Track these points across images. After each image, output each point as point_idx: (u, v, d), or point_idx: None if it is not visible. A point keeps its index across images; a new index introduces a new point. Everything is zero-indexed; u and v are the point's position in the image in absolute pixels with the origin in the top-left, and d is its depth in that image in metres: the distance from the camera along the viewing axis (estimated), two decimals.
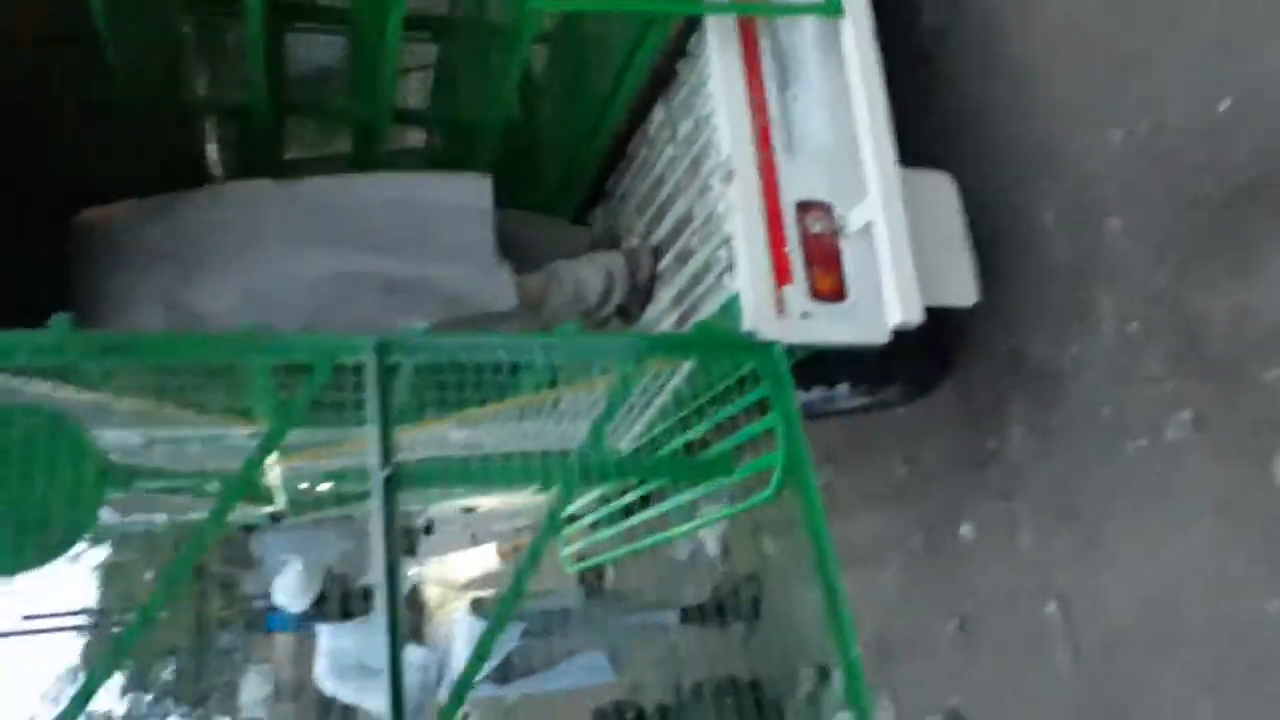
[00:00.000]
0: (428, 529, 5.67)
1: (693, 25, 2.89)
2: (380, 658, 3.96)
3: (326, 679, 4.11)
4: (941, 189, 2.81)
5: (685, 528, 3.31)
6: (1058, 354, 2.87)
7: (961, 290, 2.75)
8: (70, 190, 3.07)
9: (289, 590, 3.96)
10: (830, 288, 2.66)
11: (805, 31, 2.79)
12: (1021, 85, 2.92)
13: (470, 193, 3.01)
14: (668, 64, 3.02)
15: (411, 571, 4.44)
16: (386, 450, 2.12)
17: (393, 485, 2.12)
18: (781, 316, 2.60)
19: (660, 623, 4.76)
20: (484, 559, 4.54)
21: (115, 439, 2.80)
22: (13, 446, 1.92)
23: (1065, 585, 2.86)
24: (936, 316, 3.10)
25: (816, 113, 2.77)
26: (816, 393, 3.31)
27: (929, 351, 3.21)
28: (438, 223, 2.95)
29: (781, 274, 2.63)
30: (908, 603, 3.60)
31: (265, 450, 2.19)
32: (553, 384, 2.78)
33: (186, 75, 3.67)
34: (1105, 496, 2.71)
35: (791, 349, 2.51)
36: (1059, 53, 2.81)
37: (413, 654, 3.98)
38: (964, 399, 3.27)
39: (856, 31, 2.63)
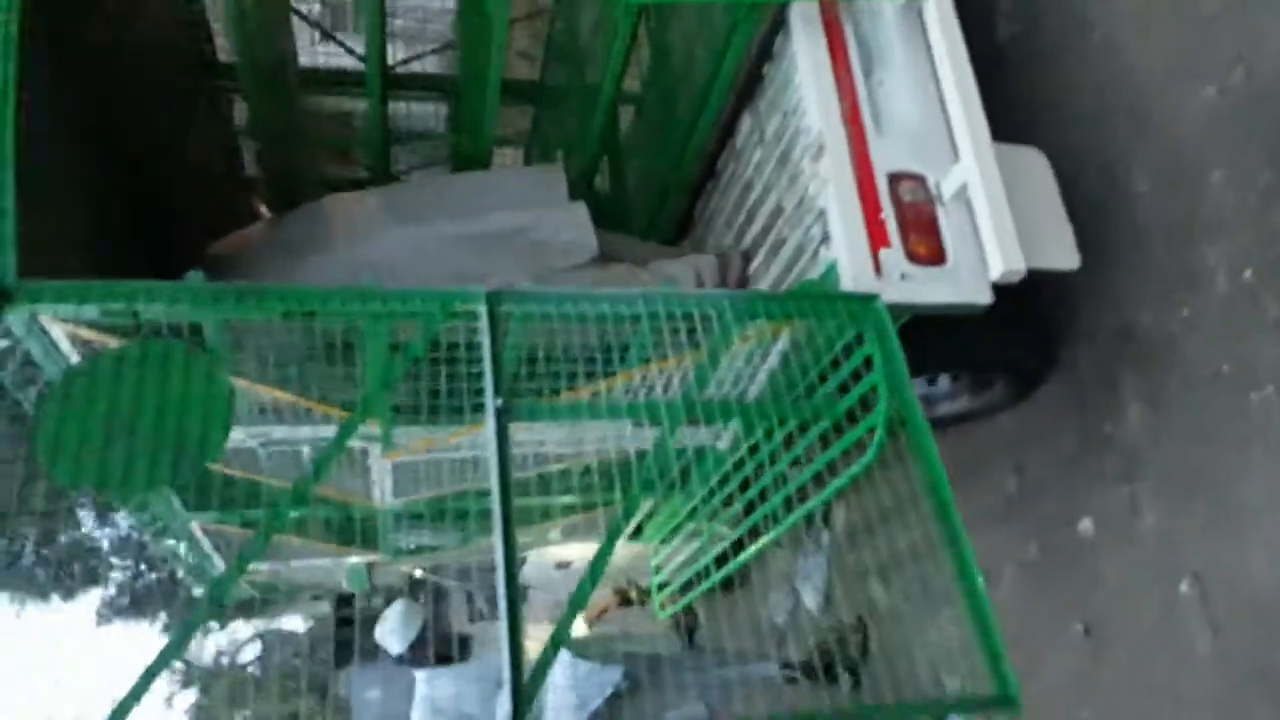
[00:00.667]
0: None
1: (776, 28, 3.03)
2: (477, 705, 3.92)
3: None
4: (1033, 161, 2.84)
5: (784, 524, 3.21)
6: (1168, 320, 2.81)
7: (1064, 254, 2.74)
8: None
9: (390, 629, 3.94)
10: (928, 252, 2.68)
11: (887, 18, 2.90)
12: (1106, 60, 2.97)
13: (546, 176, 3.21)
14: (754, 69, 3.15)
15: None
16: (498, 383, 2.18)
17: (505, 417, 2.16)
18: (880, 278, 2.61)
19: (761, 675, 4.58)
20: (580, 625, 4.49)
21: (231, 441, 2.90)
22: (154, 370, 2.02)
23: (1199, 560, 2.70)
24: (1037, 306, 3.12)
25: (902, 94, 2.85)
26: (915, 388, 3.26)
27: (1030, 342, 3.17)
28: (518, 192, 3.15)
29: (877, 238, 2.66)
30: (1027, 617, 3.42)
31: (379, 386, 2.25)
32: (646, 361, 2.79)
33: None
34: (1234, 456, 2.59)
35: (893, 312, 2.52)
36: (1141, 24, 2.87)
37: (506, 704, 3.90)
38: (1072, 391, 3.19)
39: (939, 8, 2.73)
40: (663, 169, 3.60)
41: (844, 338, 2.59)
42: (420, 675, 4.05)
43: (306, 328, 2.43)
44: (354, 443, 3.14)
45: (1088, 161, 2.94)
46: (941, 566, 2.36)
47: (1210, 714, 2.66)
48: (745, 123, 3.31)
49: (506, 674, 1.96)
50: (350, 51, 4.32)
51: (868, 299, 2.52)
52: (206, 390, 2.02)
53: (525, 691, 1.97)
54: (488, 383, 2.18)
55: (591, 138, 3.50)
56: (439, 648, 3.98)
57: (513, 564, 2.05)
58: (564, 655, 4.06)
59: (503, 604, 1.99)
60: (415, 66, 4.69)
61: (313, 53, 4.41)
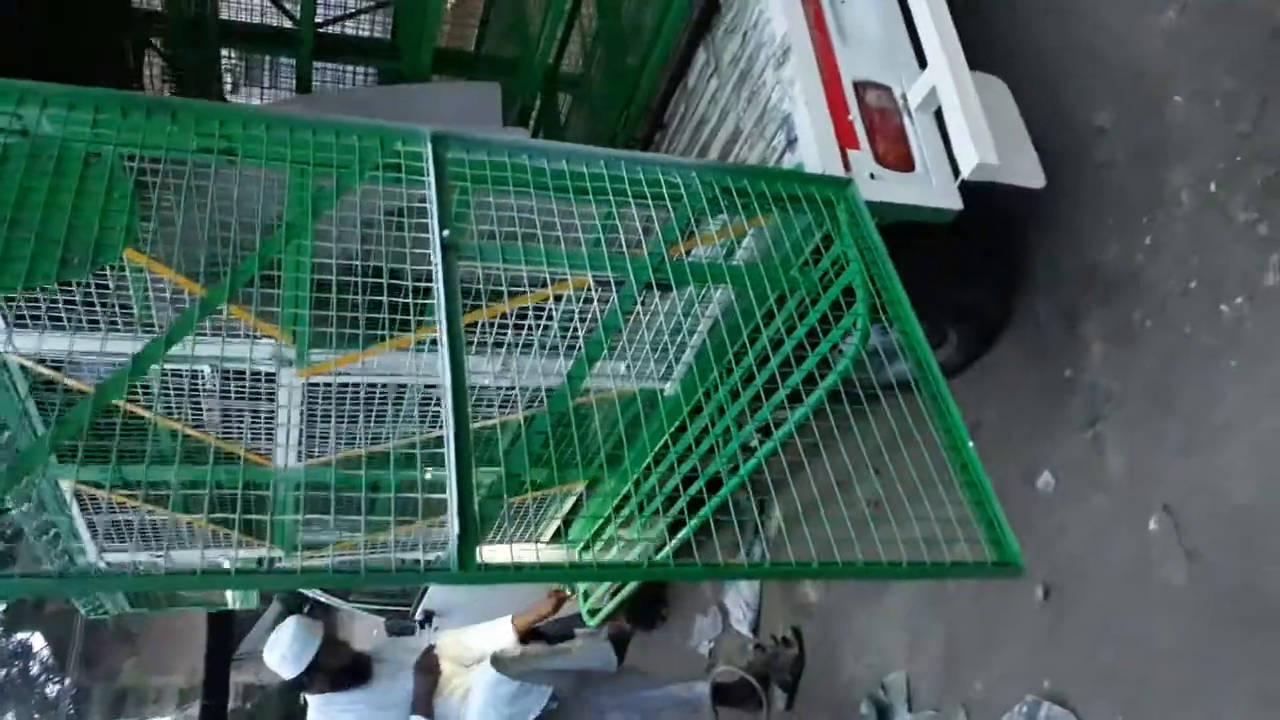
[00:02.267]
0: (426, 620, 5.19)
1: None
2: None
3: None
4: (995, 87, 2.79)
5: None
6: (1131, 251, 2.74)
7: (1030, 173, 2.67)
8: None
9: (282, 653, 3.52)
10: (897, 158, 2.58)
11: None
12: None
13: (481, 92, 3.07)
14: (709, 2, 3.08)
15: (425, 641, 4.01)
16: (444, 218, 1.95)
17: (451, 253, 1.93)
18: (849, 176, 2.49)
19: (690, 697, 4.25)
20: (499, 633, 4.10)
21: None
22: (45, 166, 1.74)
23: (1169, 491, 2.57)
24: (993, 253, 3.05)
25: (866, 8, 2.80)
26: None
27: (986, 289, 3.08)
28: (449, 105, 3.07)
29: (845, 138, 2.55)
30: (979, 593, 3.23)
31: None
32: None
33: None
34: (1206, 373, 2.49)
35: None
36: None
37: None
38: (1030, 343, 3.10)
39: None
40: (611, 116, 3.47)
41: (813, 240, 2.45)
42: (313, 702, 3.64)
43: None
44: (261, 362, 2.83)
45: (1045, 103, 2.89)
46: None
47: (1187, 653, 2.48)
48: (699, 58, 3.21)
49: (454, 515, 1.66)
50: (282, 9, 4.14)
51: (842, 181, 2.39)
52: (105, 194, 1.74)
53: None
54: (433, 218, 1.96)
55: (533, 72, 3.33)
56: (336, 670, 3.57)
57: (463, 402, 1.78)
58: (490, 675, 3.70)
59: (451, 440, 1.71)
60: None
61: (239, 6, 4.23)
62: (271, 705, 17.55)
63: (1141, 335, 2.69)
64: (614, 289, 2.25)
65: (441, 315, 1.82)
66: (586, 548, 4.37)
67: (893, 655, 3.59)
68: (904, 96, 2.65)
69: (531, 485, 3.80)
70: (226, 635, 17.36)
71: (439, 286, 1.87)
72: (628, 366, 3.02)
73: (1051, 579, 2.93)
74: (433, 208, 1.96)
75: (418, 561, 1.85)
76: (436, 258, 1.90)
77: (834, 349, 2.42)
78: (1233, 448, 2.41)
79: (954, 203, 2.53)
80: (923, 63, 2.64)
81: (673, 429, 3.29)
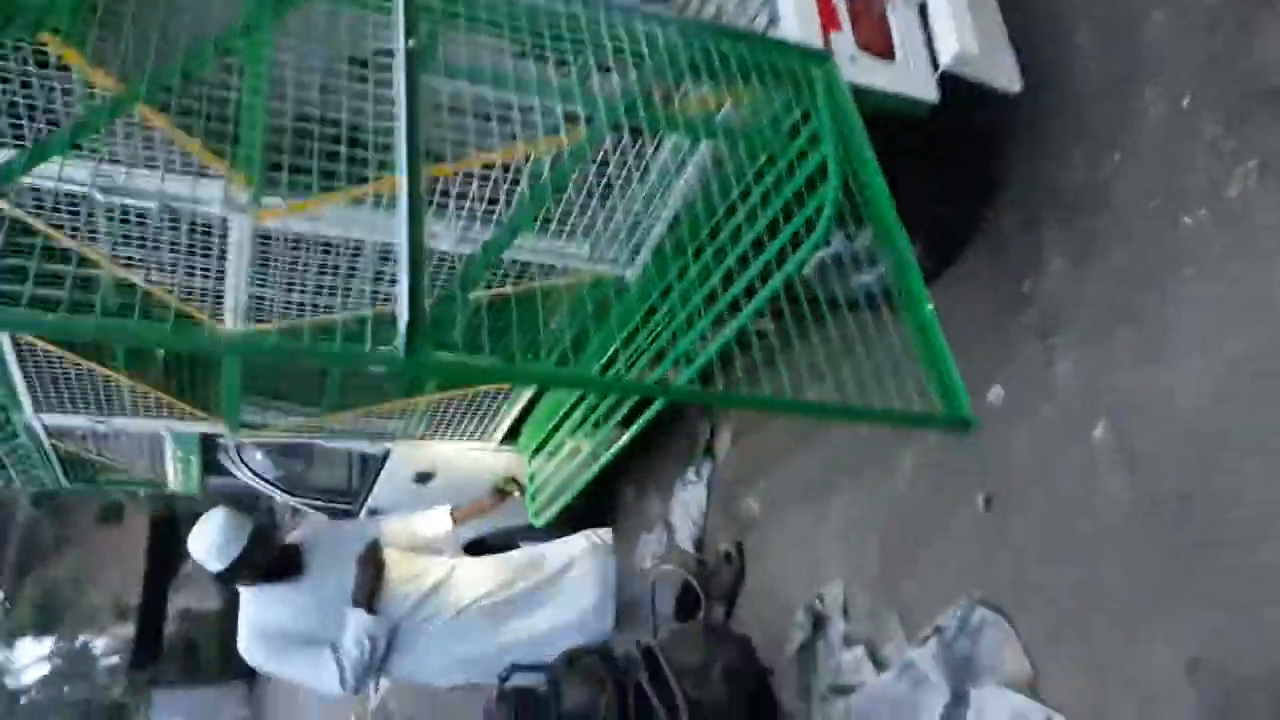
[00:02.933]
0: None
1: None
2: (315, 622, 3.42)
3: (252, 649, 3.52)
4: None
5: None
6: (1099, 167, 2.75)
7: (1007, 75, 2.67)
8: None
9: (209, 544, 3.38)
10: (878, 44, 2.56)
11: None
12: None
13: None
14: None
15: (372, 528, 3.93)
16: (410, 27, 1.90)
17: (417, 62, 1.88)
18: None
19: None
20: (440, 521, 4.07)
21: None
22: None
23: (1117, 400, 2.60)
24: (963, 163, 3.04)
25: None
26: (833, 246, 3.11)
27: (955, 196, 3.07)
28: None
29: (828, 18, 2.53)
30: (921, 504, 3.26)
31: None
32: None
33: None
34: (1163, 285, 2.52)
35: None
36: None
37: (363, 621, 3.45)
38: (991, 258, 3.11)
39: None
40: None
41: (790, 118, 2.43)
42: (245, 595, 3.54)
43: None
44: (209, 205, 2.72)
45: (1023, 19, 2.88)
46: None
47: (1121, 561, 2.52)
48: None
49: (404, 276, 1.61)
50: None
51: (822, 56, 2.36)
52: None
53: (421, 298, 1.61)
54: (398, 26, 1.90)
55: None
56: (266, 563, 3.47)
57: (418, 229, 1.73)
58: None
59: (404, 202, 1.67)
60: None
61: None
62: (209, 632, 17.42)
63: (1102, 249, 2.71)
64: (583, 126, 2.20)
65: (402, 131, 1.77)
66: (536, 453, 4.36)
67: (833, 566, 3.62)
68: None
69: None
70: (166, 557, 17.19)
71: (401, 94, 1.81)
72: (591, 245, 2.98)
73: (994, 488, 2.96)
74: (400, 21, 1.90)
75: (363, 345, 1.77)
76: (401, 71, 1.84)
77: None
78: (1185, 358, 2.43)
79: (931, 94, 2.52)
80: None
81: (631, 326, 3.28)
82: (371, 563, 3.58)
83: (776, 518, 4.06)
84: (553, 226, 2.91)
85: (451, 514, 4.08)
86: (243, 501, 5.29)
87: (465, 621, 3.70)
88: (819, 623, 3.63)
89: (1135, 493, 2.51)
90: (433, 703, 6.14)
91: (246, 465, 4.87)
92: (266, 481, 4.99)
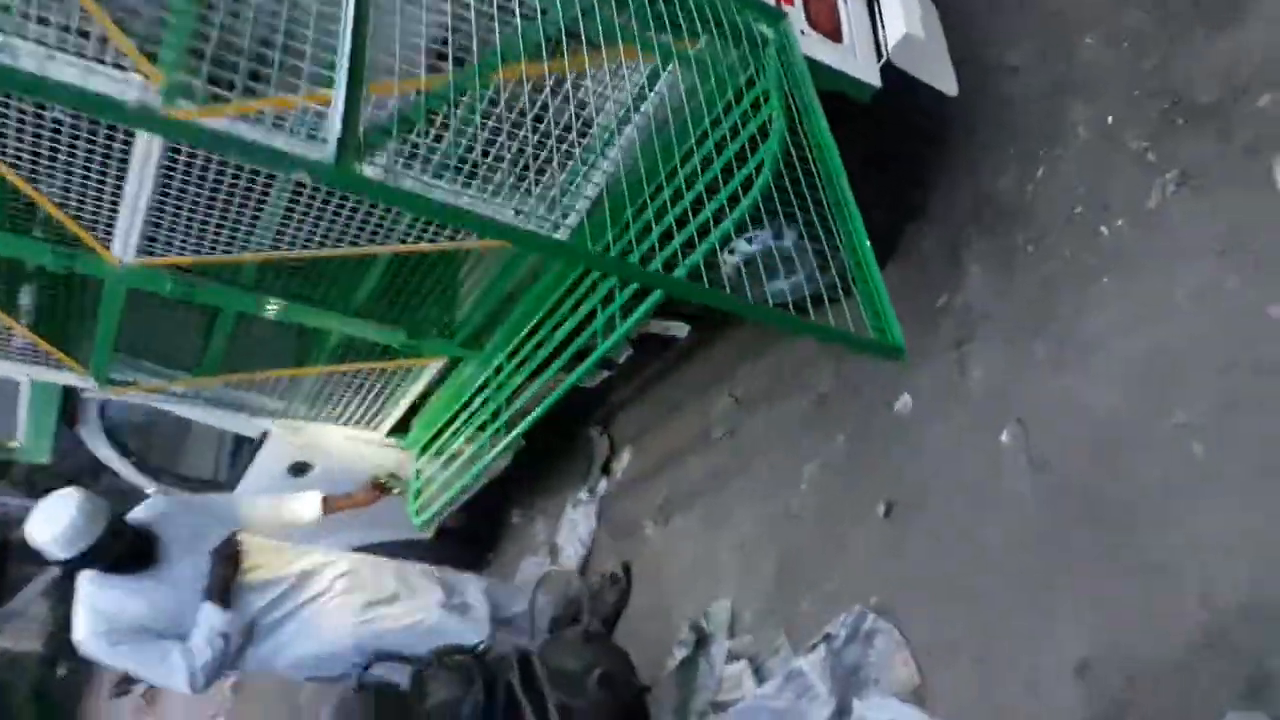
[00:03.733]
0: None
1: None
2: (164, 621, 3.12)
3: (92, 642, 3.15)
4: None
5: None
6: (1024, 180, 2.83)
7: (945, 78, 2.74)
8: None
9: (55, 531, 2.98)
10: (827, 25, 2.60)
11: None
12: None
13: None
14: None
15: (231, 509, 3.63)
16: None
17: None
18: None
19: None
20: (309, 506, 3.78)
21: None
22: None
23: (1025, 404, 2.62)
24: (891, 179, 3.10)
25: None
26: (756, 243, 3.11)
27: (883, 203, 3.11)
28: None
29: None
30: (821, 514, 3.21)
31: None
32: None
33: None
34: (1080, 292, 2.56)
35: None
36: None
37: (216, 618, 3.16)
38: (911, 273, 3.14)
39: None
40: None
41: (738, 80, 2.42)
42: (85, 580, 3.14)
43: None
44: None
45: (962, 39, 2.98)
46: None
47: (1020, 563, 2.50)
48: None
49: (342, 84, 1.50)
50: None
51: (776, 14, 2.38)
52: None
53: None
54: None
55: None
56: (118, 552, 3.08)
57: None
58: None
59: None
60: None
61: None
62: (24, 677, 15.90)
63: (1021, 260, 2.76)
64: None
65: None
66: (424, 450, 4.17)
67: (725, 583, 3.51)
68: None
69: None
70: None
71: None
72: (520, 202, 2.88)
73: (896, 496, 2.93)
74: None
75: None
76: None
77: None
78: (1096, 364, 2.47)
79: (874, 79, 2.57)
80: None
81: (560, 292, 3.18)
82: (228, 557, 3.28)
83: (670, 536, 3.94)
84: (479, 177, 2.81)
85: (324, 501, 3.81)
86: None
87: (325, 614, 3.44)
88: (702, 640, 3.49)
89: (1039, 495, 2.50)
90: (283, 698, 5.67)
91: (107, 434, 4.51)
92: (125, 455, 4.62)
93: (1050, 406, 2.55)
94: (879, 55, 2.60)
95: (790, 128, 2.21)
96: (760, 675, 3.20)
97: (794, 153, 2.19)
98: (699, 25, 2.38)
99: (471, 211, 1.78)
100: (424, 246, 3.05)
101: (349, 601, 3.44)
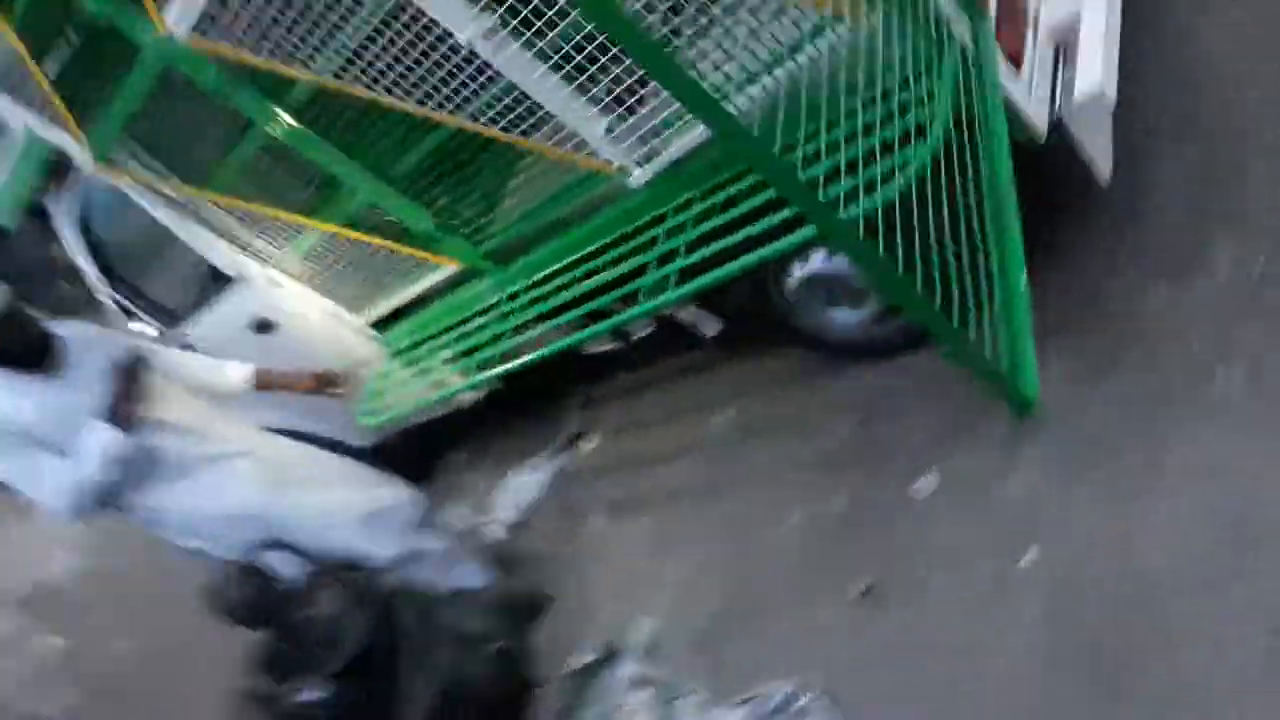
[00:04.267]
0: None
1: None
2: (50, 430, 2.76)
3: None
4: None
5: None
6: (1141, 296, 2.57)
7: (1104, 159, 2.47)
8: None
9: None
10: (1012, 47, 2.36)
11: None
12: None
13: None
14: None
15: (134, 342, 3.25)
16: None
17: None
18: None
19: None
20: (237, 375, 3.44)
21: None
22: None
23: (1064, 533, 2.33)
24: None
25: None
26: (831, 262, 2.82)
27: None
28: None
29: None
30: (791, 566, 2.91)
31: None
32: None
33: None
34: (1169, 429, 2.30)
35: None
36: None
37: (112, 440, 2.79)
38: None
39: None
40: None
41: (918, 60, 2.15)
42: None
43: None
44: None
45: (1129, 124, 2.72)
46: None
47: (999, 690, 2.22)
48: None
49: None
50: None
51: (978, 11, 2.12)
52: None
53: None
54: None
55: None
56: (11, 341, 2.76)
57: None
58: None
59: None
60: None
61: None
62: None
63: (1112, 378, 2.49)
64: None
65: None
66: (400, 354, 3.85)
67: (658, 605, 3.20)
68: (1038, 8, 2.44)
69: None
70: None
71: None
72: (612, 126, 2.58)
73: (882, 579, 2.64)
74: None
75: None
76: None
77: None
78: (1159, 513, 2.20)
79: (1042, 127, 2.31)
80: None
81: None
82: (130, 373, 2.91)
83: (617, 536, 3.64)
84: (577, 78, 2.52)
85: (257, 374, 3.44)
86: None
87: (237, 474, 3.09)
88: (613, 653, 3.17)
89: (1043, 637, 2.22)
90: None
91: (81, 225, 4.17)
92: (91, 252, 4.27)
93: (1089, 544, 2.27)
94: (1051, 105, 2.34)
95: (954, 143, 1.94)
96: (665, 712, 2.89)
97: (946, 170, 1.92)
98: None
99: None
100: (494, 131, 2.75)
101: (265, 472, 3.09)
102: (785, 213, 2.23)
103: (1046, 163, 2.45)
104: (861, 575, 2.68)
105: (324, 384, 3.59)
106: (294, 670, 2.75)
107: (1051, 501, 2.42)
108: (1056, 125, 2.34)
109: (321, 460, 3.46)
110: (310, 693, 2.67)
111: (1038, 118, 2.28)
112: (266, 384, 3.43)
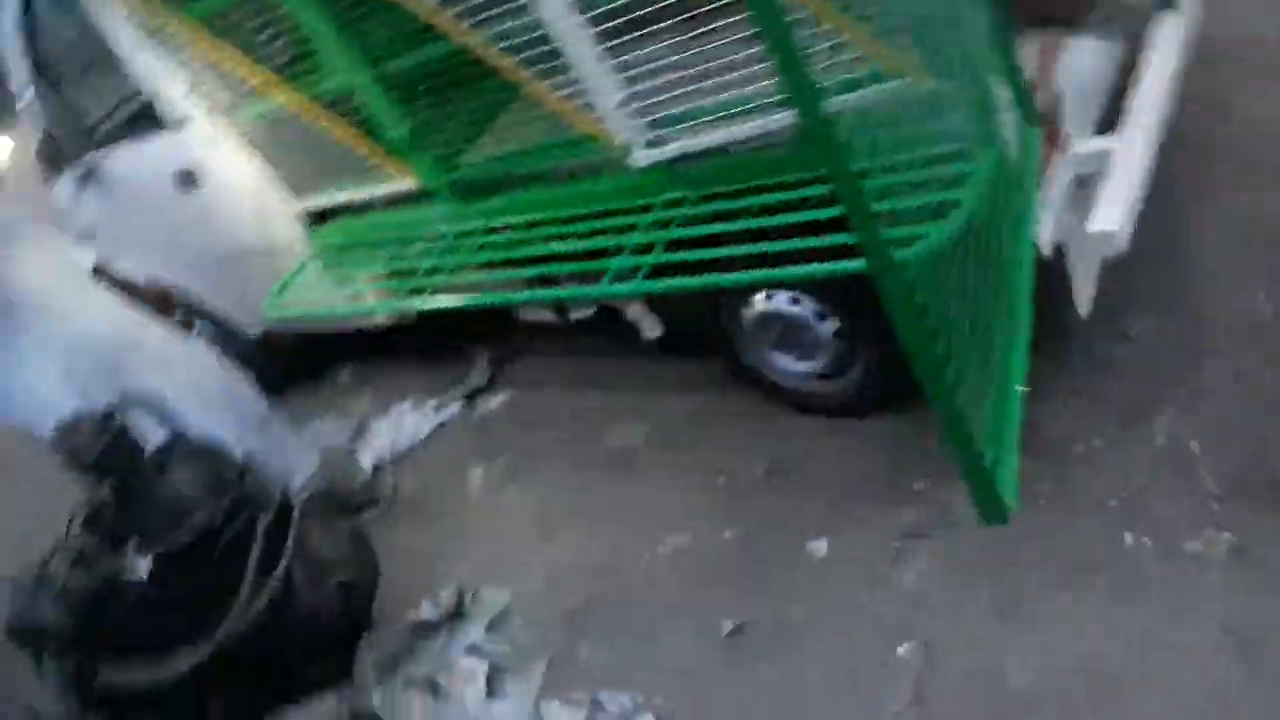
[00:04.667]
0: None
1: None
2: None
3: None
4: None
5: None
6: (1076, 438, 2.61)
7: (1085, 294, 2.50)
8: None
9: None
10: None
11: None
12: None
13: None
14: None
15: None
16: None
17: None
18: None
19: None
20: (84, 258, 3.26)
21: None
22: None
23: (944, 634, 2.34)
24: None
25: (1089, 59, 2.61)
26: (799, 305, 2.78)
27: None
28: None
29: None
30: (666, 589, 2.86)
31: None
32: None
33: None
34: (1069, 573, 2.33)
35: None
36: None
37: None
38: (905, 431, 2.87)
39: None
40: None
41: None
42: None
43: None
44: None
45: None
46: None
47: None
48: None
49: None
50: None
51: (1033, 119, 2.10)
52: None
53: None
54: None
55: None
56: None
57: None
58: None
59: None
60: None
61: None
62: None
63: (1033, 503, 2.50)
64: None
65: None
66: (325, 252, 3.64)
67: (514, 580, 3.11)
68: (1068, 134, 2.45)
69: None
70: None
71: None
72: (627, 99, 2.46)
73: (753, 622, 2.61)
74: None
75: None
76: None
77: None
78: (1030, 642, 2.23)
79: (1047, 244, 2.31)
80: (1108, 124, 2.49)
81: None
82: None
83: (493, 500, 3.52)
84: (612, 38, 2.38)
85: (97, 270, 3.23)
86: None
87: (88, 294, 2.88)
88: (457, 614, 3.06)
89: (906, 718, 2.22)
90: None
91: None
92: (25, 36, 3.90)
93: (965, 651, 2.29)
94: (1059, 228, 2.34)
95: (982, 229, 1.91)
96: (492, 687, 2.81)
97: (973, 251, 1.89)
98: (950, 66, 2.08)
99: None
100: (505, 62, 2.59)
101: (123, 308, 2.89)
102: (792, 242, 2.18)
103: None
104: (735, 614, 2.64)
105: (164, 304, 3.46)
106: (127, 536, 2.54)
107: (936, 599, 2.43)
108: (1057, 248, 2.35)
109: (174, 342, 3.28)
110: (139, 566, 2.46)
111: (1045, 234, 2.28)
112: (104, 278, 3.25)
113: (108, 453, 2.57)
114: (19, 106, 4.17)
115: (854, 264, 1.70)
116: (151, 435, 2.79)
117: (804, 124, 1.44)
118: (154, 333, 3.32)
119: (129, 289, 3.53)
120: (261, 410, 3.56)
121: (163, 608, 2.52)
